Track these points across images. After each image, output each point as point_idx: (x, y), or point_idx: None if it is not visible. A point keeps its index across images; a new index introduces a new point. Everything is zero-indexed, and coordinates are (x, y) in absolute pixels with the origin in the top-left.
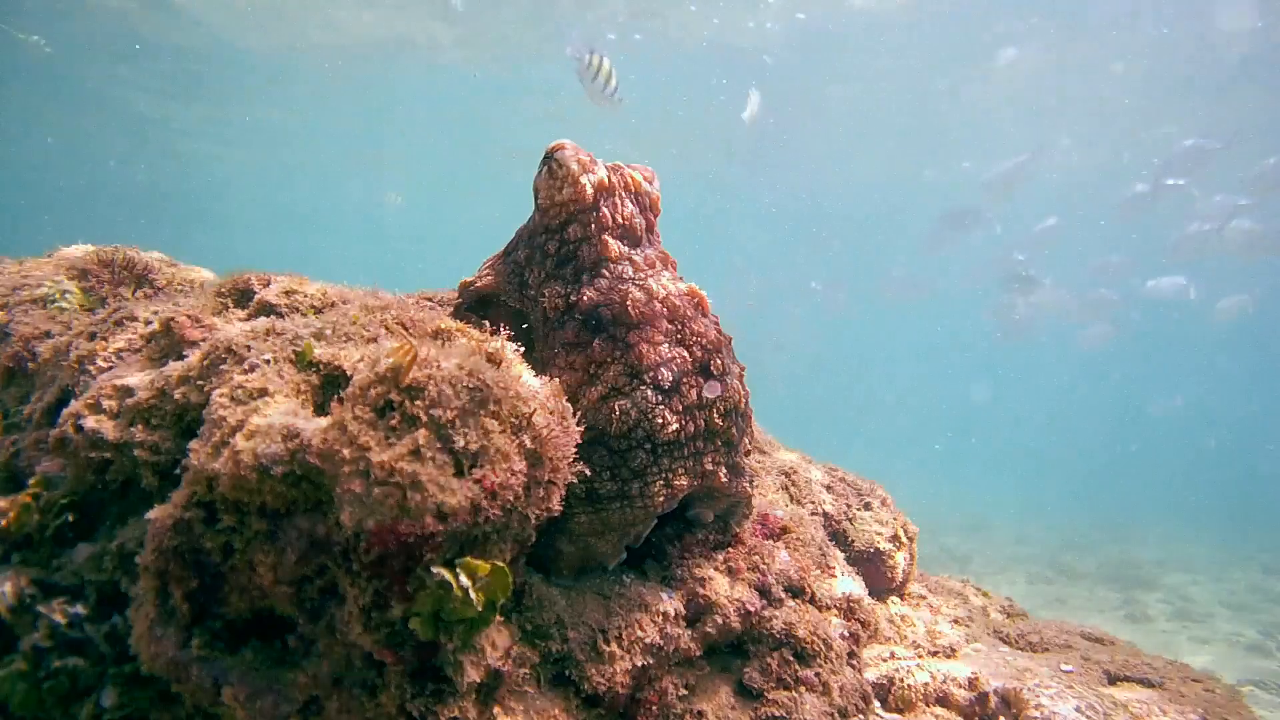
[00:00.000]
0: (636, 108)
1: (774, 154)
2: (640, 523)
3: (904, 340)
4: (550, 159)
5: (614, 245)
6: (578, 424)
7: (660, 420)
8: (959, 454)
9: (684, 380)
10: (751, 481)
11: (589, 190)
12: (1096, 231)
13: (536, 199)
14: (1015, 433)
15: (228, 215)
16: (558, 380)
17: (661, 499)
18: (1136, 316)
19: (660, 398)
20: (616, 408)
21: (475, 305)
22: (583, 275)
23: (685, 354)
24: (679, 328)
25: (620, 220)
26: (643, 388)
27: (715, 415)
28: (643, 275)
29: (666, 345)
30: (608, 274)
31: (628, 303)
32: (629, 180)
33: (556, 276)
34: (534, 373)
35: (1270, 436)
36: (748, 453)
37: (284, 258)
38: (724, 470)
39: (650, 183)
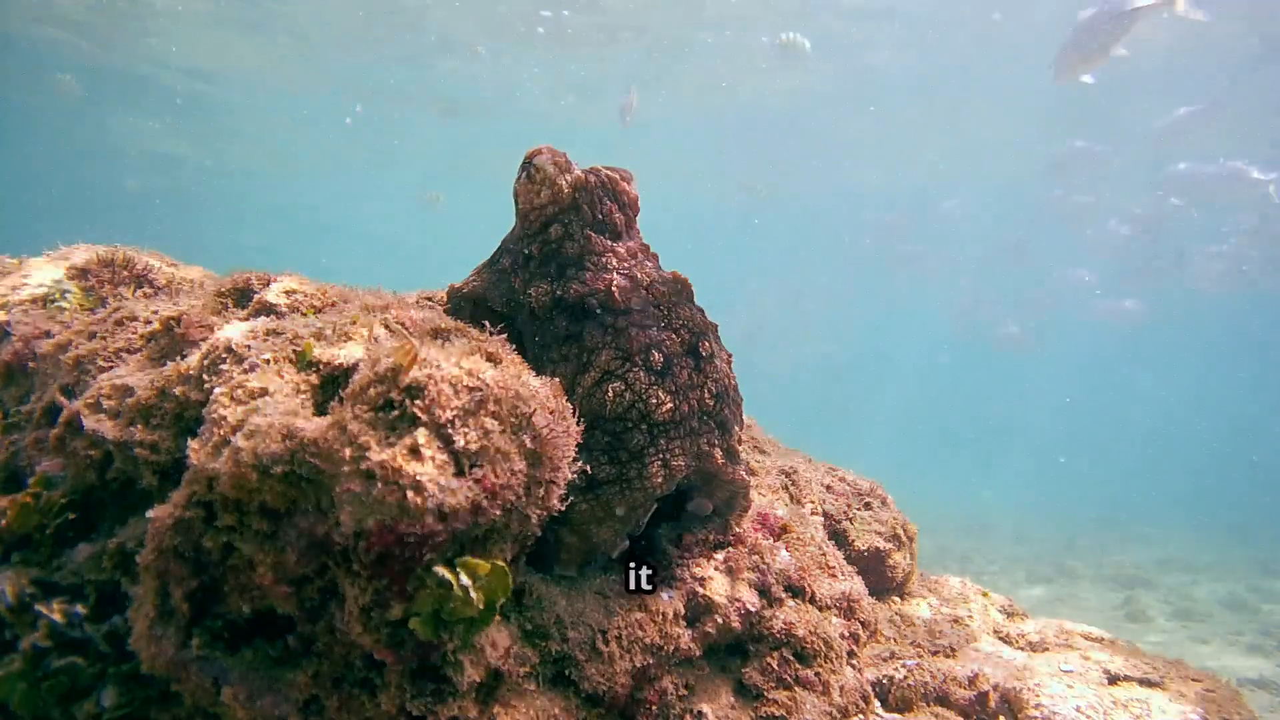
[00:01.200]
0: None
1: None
2: (640, 506)
3: (904, 339)
4: (529, 164)
5: (596, 239)
6: (574, 411)
7: (655, 400)
8: (959, 453)
9: (675, 361)
10: (749, 470)
11: (566, 190)
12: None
13: (517, 204)
14: (1015, 432)
15: (229, 213)
16: (557, 379)
17: (660, 479)
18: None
19: (653, 378)
20: (611, 390)
21: (463, 310)
22: (568, 270)
23: (674, 337)
24: (666, 312)
25: (600, 216)
26: (635, 369)
27: (707, 396)
28: (627, 265)
29: (655, 329)
30: (592, 266)
31: (614, 289)
32: (606, 178)
33: (542, 275)
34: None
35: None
36: (740, 441)
37: (285, 258)
38: (720, 452)
39: (628, 181)
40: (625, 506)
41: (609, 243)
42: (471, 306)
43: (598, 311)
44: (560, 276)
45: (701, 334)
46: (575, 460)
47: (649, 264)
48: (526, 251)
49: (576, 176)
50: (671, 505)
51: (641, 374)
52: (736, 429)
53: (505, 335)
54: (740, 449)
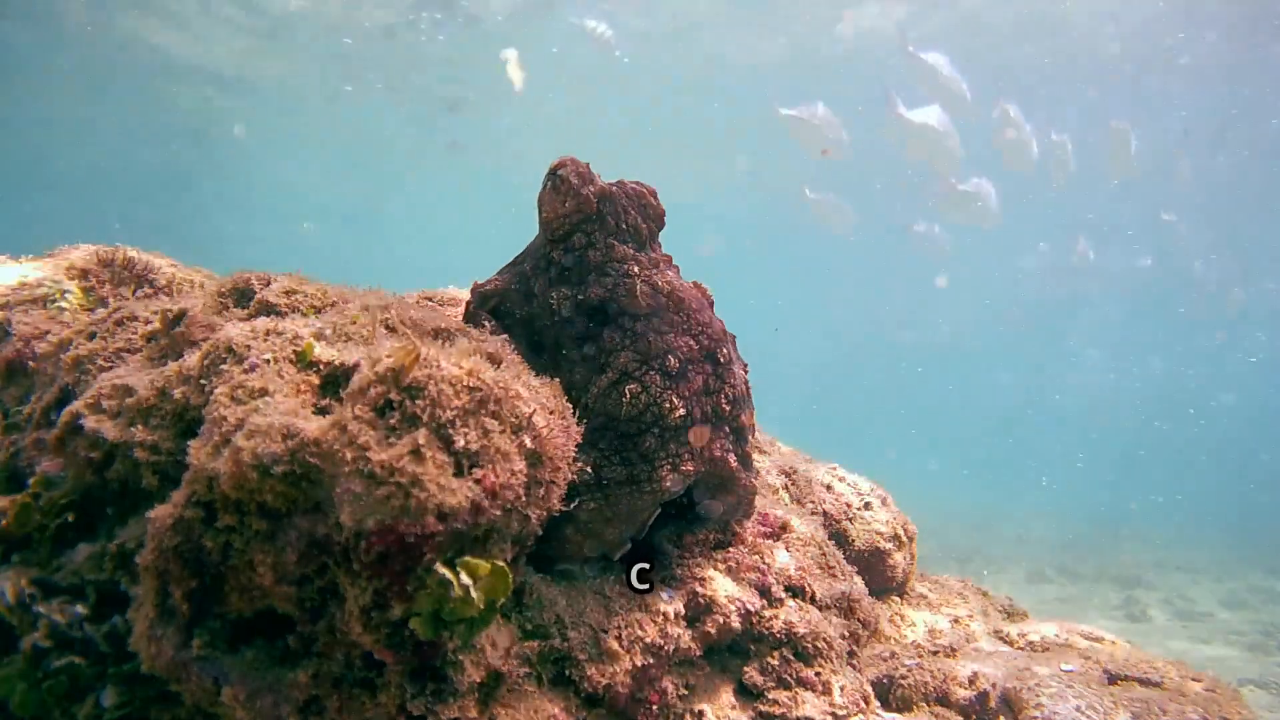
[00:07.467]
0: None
1: None
2: (647, 509)
3: (906, 337)
4: (554, 175)
5: (620, 247)
6: (589, 410)
7: (669, 404)
8: (960, 453)
9: (691, 366)
10: (755, 476)
11: (592, 199)
12: None
13: (541, 213)
14: (1014, 432)
15: (233, 212)
16: (557, 380)
17: (669, 483)
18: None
19: (668, 382)
20: (627, 391)
21: (485, 307)
22: (589, 276)
23: (692, 342)
24: (685, 318)
25: (624, 225)
26: (651, 372)
27: (723, 401)
28: (649, 272)
29: (673, 334)
30: (614, 272)
31: (636, 294)
32: (632, 189)
33: (563, 280)
34: (535, 373)
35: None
36: (754, 448)
37: (287, 257)
38: (733, 457)
39: (654, 195)
40: (633, 509)
41: (631, 250)
42: (492, 305)
43: (617, 314)
44: (582, 282)
45: (719, 342)
46: (576, 460)
47: (670, 272)
48: (549, 257)
49: (601, 187)
50: (675, 506)
51: (657, 377)
52: (751, 436)
53: (521, 341)
54: (753, 455)
